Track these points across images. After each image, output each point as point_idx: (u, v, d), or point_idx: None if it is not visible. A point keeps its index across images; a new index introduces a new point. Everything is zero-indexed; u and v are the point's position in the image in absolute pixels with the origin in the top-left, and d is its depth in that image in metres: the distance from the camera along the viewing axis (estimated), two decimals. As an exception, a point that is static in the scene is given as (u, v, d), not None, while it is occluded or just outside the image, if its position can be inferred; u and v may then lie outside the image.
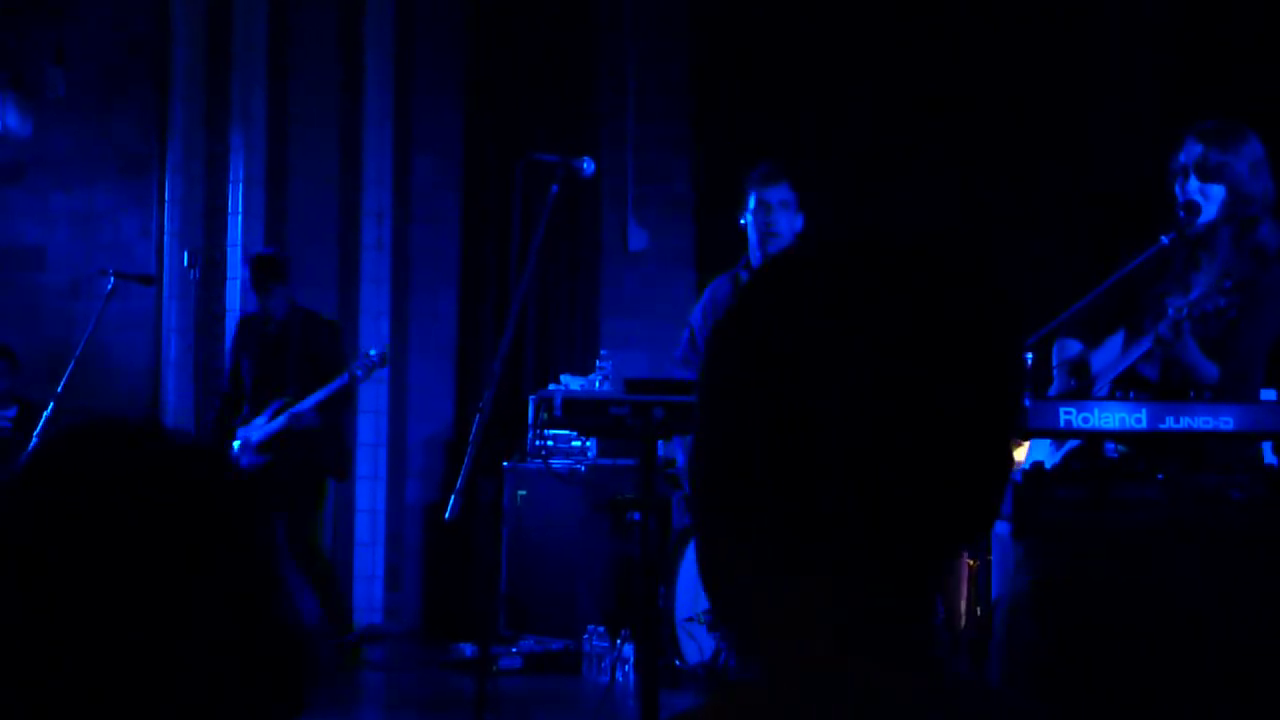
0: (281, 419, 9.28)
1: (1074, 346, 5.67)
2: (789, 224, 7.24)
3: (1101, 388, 5.48)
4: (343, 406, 9.67)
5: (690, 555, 8.66)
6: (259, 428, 9.34)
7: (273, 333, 9.47)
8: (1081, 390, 5.54)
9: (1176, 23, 8.86)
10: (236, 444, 9.40)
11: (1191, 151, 5.44)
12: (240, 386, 9.62)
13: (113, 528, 1.45)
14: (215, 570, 1.47)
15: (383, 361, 9.48)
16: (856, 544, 1.30)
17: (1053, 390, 5.65)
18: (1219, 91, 8.25)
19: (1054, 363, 5.67)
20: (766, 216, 7.22)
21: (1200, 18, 8.75)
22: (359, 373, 9.34)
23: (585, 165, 6.36)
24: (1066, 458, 5.44)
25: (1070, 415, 4.88)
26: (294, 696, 1.50)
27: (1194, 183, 5.42)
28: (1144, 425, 4.87)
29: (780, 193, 7.25)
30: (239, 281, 10.55)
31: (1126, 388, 5.24)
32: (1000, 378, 1.33)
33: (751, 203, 7.30)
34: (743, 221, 7.34)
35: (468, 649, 9.26)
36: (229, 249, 10.64)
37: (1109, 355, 5.59)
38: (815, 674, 1.28)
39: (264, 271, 9.42)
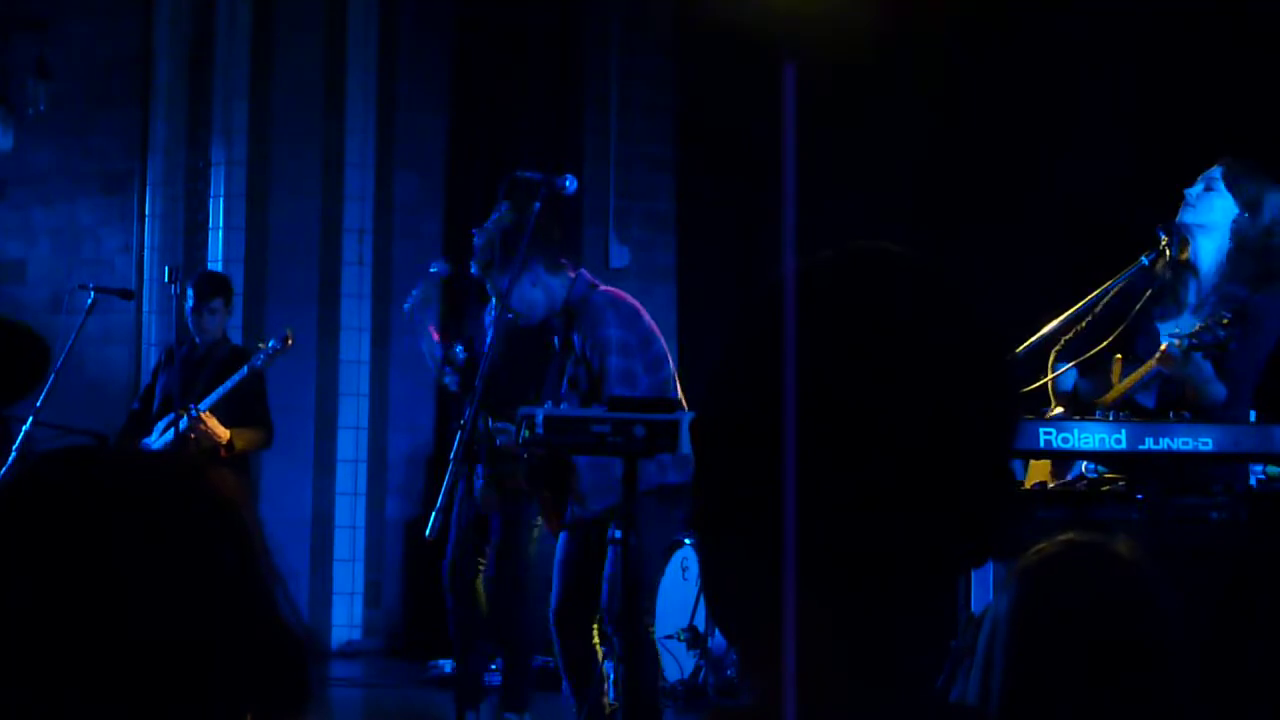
0: (170, 433, 8.38)
1: (1069, 373, 5.58)
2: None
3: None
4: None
5: (670, 572, 8.67)
6: (152, 443, 8.51)
7: (196, 356, 8.76)
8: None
9: (1146, 49, 8.89)
10: None
11: (1210, 179, 5.45)
12: (149, 405, 8.89)
13: (104, 548, 1.46)
14: (218, 574, 1.48)
15: (285, 345, 8.52)
16: (856, 568, 1.30)
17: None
18: (1184, 118, 8.29)
19: (1050, 385, 5.60)
20: None
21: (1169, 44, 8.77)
22: (258, 363, 8.46)
23: (568, 182, 6.37)
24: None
25: (1050, 435, 4.89)
26: (303, 687, 1.52)
27: (1199, 205, 5.44)
28: (1123, 446, 4.88)
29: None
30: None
31: (1123, 412, 5.22)
32: (997, 400, 1.34)
33: None
34: None
35: (447, 665, 9.24)
36: (210, 264, 10.62)
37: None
38: (810, 697, 1.29)
39: (210, 289, 8.83)
